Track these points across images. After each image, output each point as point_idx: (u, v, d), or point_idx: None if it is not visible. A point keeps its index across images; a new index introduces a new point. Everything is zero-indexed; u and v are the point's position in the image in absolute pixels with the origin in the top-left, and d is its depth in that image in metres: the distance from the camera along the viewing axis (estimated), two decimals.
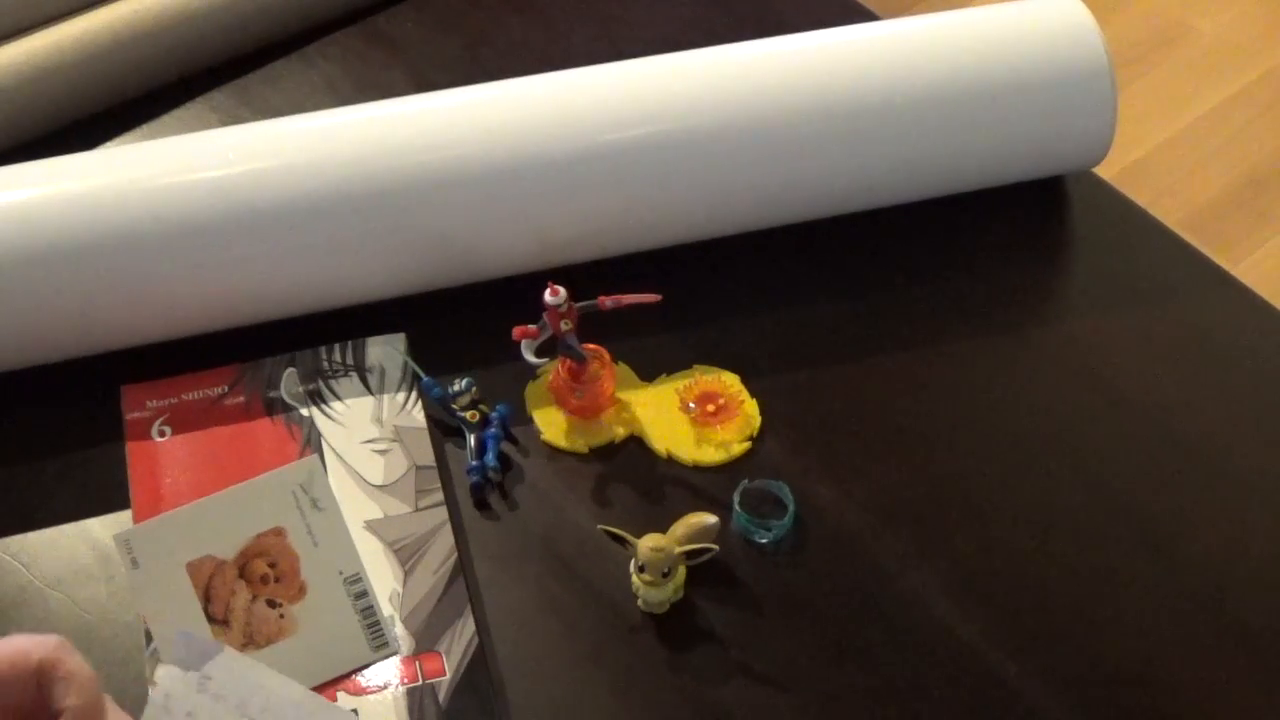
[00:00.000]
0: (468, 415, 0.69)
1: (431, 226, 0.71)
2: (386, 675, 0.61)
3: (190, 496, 0.66)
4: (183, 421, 0.69)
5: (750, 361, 0.72)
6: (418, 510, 0.66)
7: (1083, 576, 0.65)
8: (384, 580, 0.64)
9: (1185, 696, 0.61)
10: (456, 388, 0.70)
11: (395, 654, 0.62)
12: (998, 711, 0.61)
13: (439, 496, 0.67)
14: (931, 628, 0.63)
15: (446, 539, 0.65)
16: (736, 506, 0.66)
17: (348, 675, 0.61)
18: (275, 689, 0.58)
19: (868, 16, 0.88)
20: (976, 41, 0.75)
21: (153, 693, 0.57)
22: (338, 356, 0.72)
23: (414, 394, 0.71)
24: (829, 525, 0.67)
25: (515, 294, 0.70)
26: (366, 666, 0.61)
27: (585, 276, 0.70)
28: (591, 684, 0.62)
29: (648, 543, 0.62)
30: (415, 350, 0.72)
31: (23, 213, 0.67)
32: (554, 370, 0.70)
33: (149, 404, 0.70)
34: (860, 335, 0.74)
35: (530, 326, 0.67)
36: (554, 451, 0.70)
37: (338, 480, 0.67)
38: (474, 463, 0.68)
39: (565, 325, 0.67)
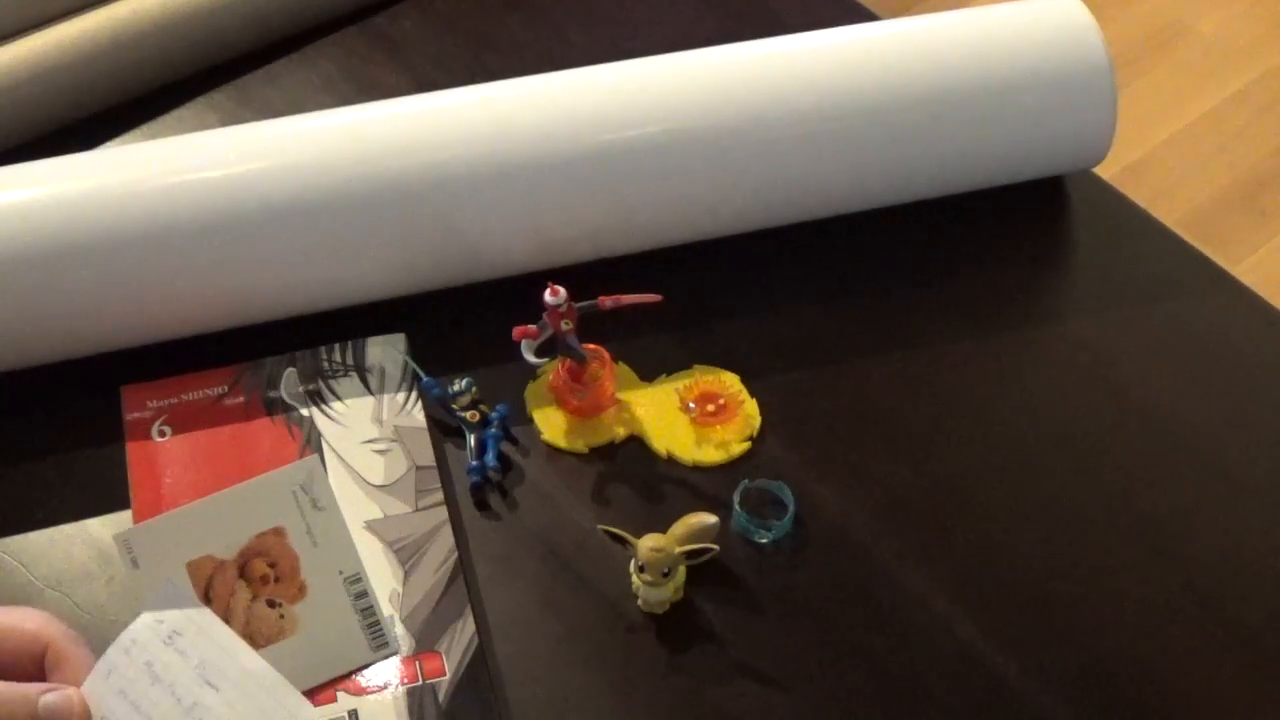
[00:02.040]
0: (468, 415, 0.69)
1: (432, 226, 0.71)
2: (386, 675, 0.61)
3: (190, 496, 0.66)
4: (183, 421, 0.69)
5: (750, 361, 0.72)
6: (418, 510, 0.66)
7: (1083, 576, 0.65)
8: (384, 580, 0.64)
9: (1185, 696, 0.61)
10: (456, 388, 0.70)
11: (395, 654, 0.62)
12: (998, 711, 0.61)
13: (439, 496, 0.67)
14: (931, 628, 0.63)
15: (446, 539, 0.65)
16: (736, 506, 0.66)
17: (348, 675, 0.61)
18: (241, 661, 0.58)
19: (868, 16, 0.88)
20: (976, 41, 0.75)
21: (121, 635, 0.58)
22: (338, 356, 0.72)
23: (414, 394, 0.71)
24: (829, 525, 0.67)
25: (515, 294, 0.70)
26: (366, 666, 0.61)
27: (585, 276, 0.70)
28: (591, 684, 0.62)
29: (648, 543, 0.62)
30: (415, 350, 0.72)
31: (23, 213, 0.67)
32: (554, 370, 0.70)
33: (149, 404, 0.70)
34: (860, 335, 0.74)
35: (530, 326, 0.67)
36: (554, 451, 0.70)
37: (338, 480, 0.67)
38: (474, 463, 0.68)
39: (565, 325, 0.67)
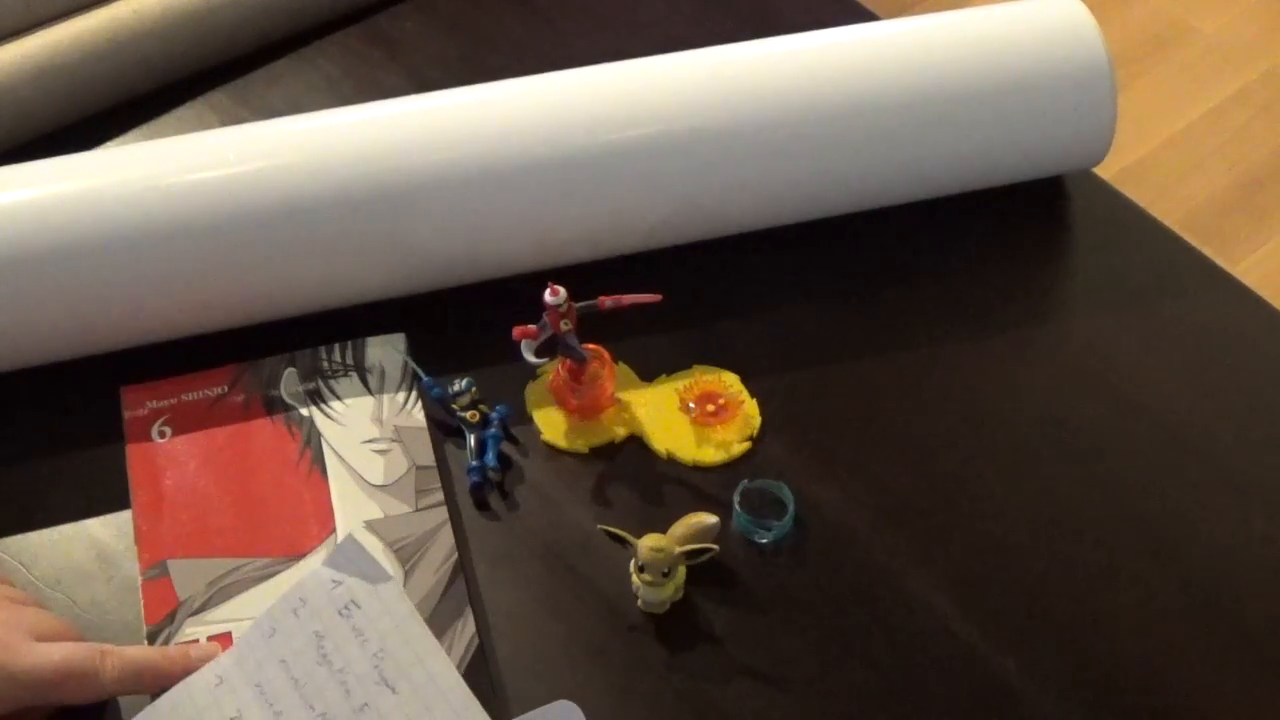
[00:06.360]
0: (468, 415, 0.69)
1: (431, 227, 0.71)
2: None
3: (190, 496, 0.66)
4: (183, 421, 0.69)
5: (750, 361, 0.72)
6: (418, 510, 0.66)
7: (1083, 576, 0.65)
8: None
9: (1185, 696, 0.61)
10: (456, 388, 0.70)
11: None
12: (998, 711, 0.61)
13: (439, 496, 0.67)
14: (931, 627, 0.63)
15: (446, 539, 0.65)
16: (736, 506, 0.66)
17: None
18: (428, 667, 0.50)
19: (868, 16, 0.88)
20: (976, 41, 0.75)
21: (289, 590, 0.50)
22: (338, 356, 0.72)
23: (414, 394, 0.71)
24: (829, 525, 0.67)
25: (515, 294, 0.70)
26: None
27: (585, 276, 0.70)
28: (591, 684, 0.62)
29: (648, 543, 0.62)
30: (415, 350, 0.72)
31: (23, 213, 0.67)
32: (554, 370, 0.70)
33: (149, 404, 0.70)
34: (860, 335, 0.74)
35: (530, 326, 0.67)
36: (554, 451, 0.69)
37: (338, 481, 0.67)
38: (474, 463, 0.68)
39: (565, 325, 0.67)
